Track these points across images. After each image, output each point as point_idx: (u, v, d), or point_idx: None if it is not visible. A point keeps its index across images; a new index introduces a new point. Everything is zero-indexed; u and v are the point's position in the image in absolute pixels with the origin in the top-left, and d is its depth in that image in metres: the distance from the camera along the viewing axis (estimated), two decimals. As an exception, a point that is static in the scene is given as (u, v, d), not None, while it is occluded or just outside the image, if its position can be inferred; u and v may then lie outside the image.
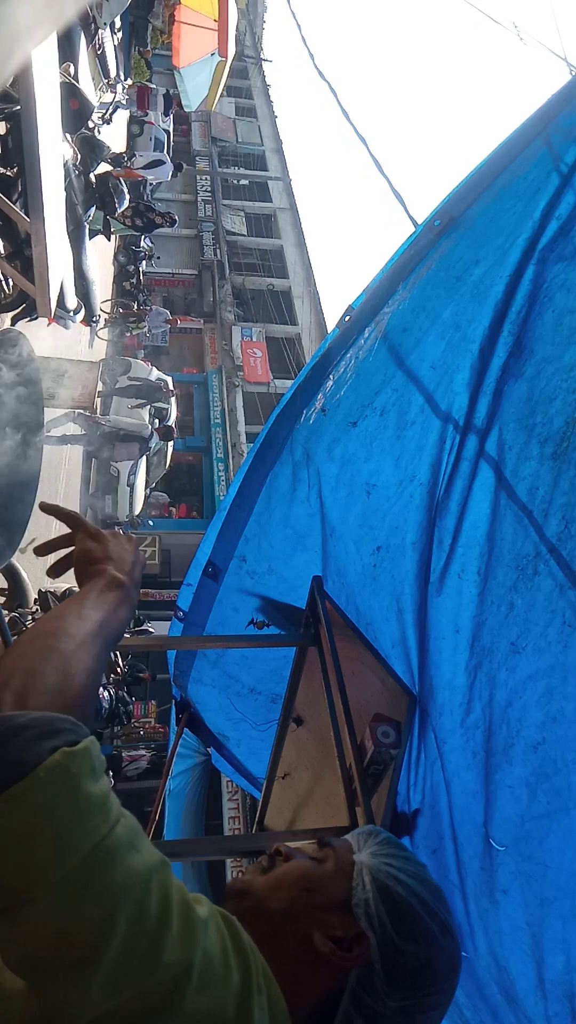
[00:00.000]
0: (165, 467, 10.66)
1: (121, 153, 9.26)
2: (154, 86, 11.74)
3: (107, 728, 8.70)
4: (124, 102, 9.25)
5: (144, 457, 9.04)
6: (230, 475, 13.12)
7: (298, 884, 0.66)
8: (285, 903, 0.65)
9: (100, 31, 7.39)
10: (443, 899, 0.67)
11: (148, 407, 9.31)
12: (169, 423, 8.80)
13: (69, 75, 4.19)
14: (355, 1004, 0.61)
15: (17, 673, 0.50)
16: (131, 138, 11.99)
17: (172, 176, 10.66)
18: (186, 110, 9.28)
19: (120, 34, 8.91)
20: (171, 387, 9.36)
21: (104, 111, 7.79)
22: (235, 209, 19.31)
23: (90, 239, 4.50)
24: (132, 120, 11.95)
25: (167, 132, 12.67)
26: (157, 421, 9.58)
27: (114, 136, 9.60)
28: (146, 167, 10.21)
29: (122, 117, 11.08)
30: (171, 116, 12.01)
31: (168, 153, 11.40)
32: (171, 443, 10.26)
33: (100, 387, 5.26)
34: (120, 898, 0.44)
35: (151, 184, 9.70)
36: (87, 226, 4.30)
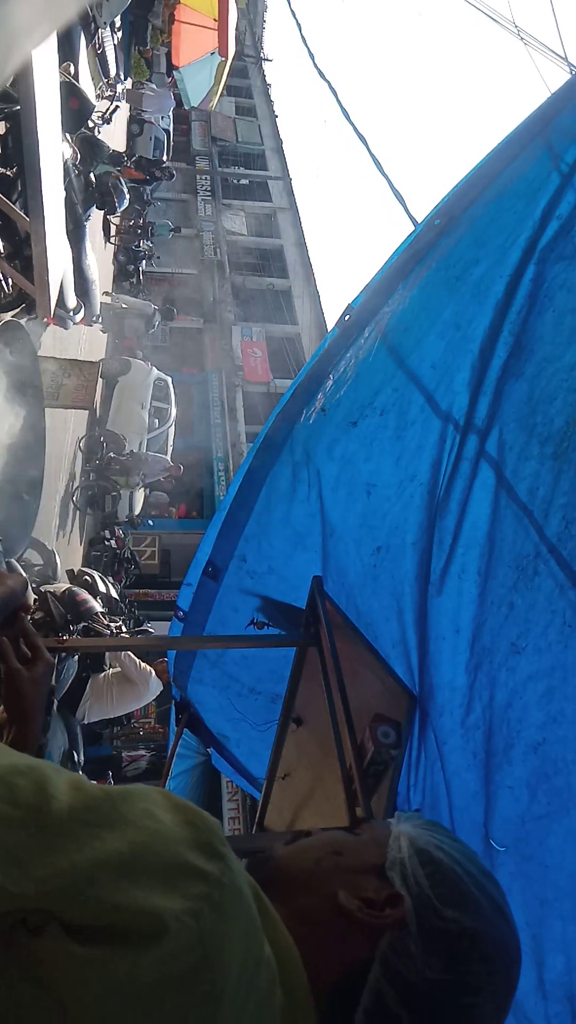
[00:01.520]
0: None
1: (121, 152, 9.27)
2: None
3: (107, 729, 8.71)
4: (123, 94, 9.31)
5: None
6: (230, 475, 13.12)
7: (325, 847, 0.59)
8: (309, 865, 0.58)
9: (100, 30, 7.39)
10: (496, 883, 0.57)
11: (148, 407, 9.36)
12: (171, 307, 9.40)
13: (69, 74, 4.19)
14: (386, 973, 0.51)
15: None
16: (131, 137, 11.99)
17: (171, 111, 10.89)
18: (186, 108, 9.31)
19: (120, 33, 8.91)
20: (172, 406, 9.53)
21: (104, 111, 7.85)
22: (235, 209, 19.31)
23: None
24: (132, 119, 11.94)
25: (167, 132, 12.67)
26: (156, 422, 9.61)
27: (114, 135, 9.61)
28: (147, 165, 10.23)
29: (122, 116, 11.08)
30: (172, 79, 11.85)
31: (167, 154, 11.40)
32: (171, 442, 10.29)
33: (100, 384, 5.33)
34: None
35: (152, 123, 9.89)
36: (87, 224, 4.30)
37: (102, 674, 3.66)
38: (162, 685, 3.61)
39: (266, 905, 0.51)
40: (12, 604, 0.81)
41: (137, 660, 3.63)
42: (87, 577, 4.60)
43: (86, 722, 3.67)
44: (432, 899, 0.53)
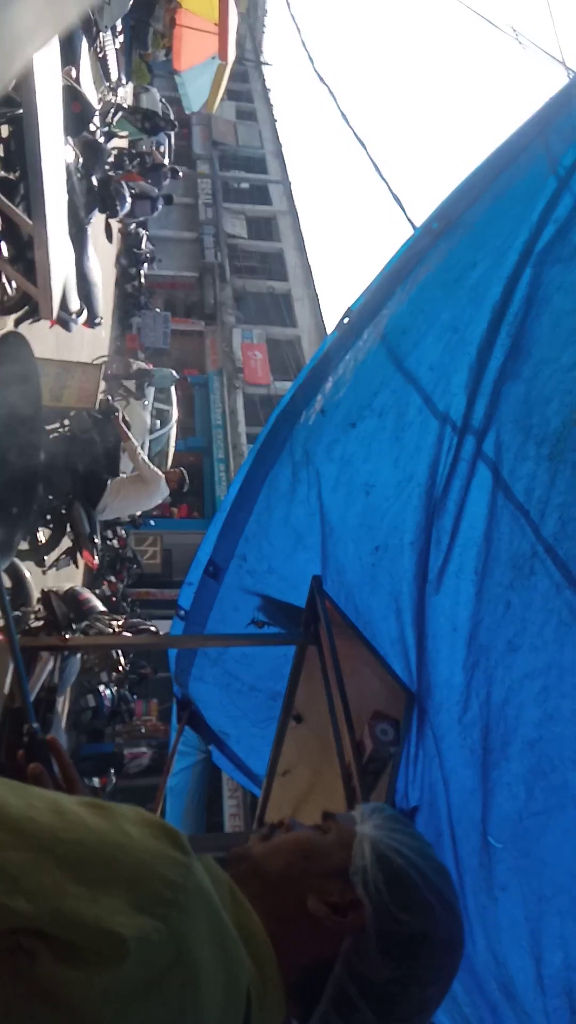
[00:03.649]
0: (166, 467, 10.67)
1: (123, 156, 9.31)
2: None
3: (108, 726, 8.70)
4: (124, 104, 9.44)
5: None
6: (230, 475, 13.12)
7: (296, 851, 0.66)
8: (281, 868, 0.64)
9: (101, 34, 7.40)
10: (447, 876, 0.65)
11: (150, 404, 9.38)
12: (170, 195, 9.85)
13: (71, 78, 4.20)
14: (348, 970, 0.60)
15: None
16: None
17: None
18: (186, 112, 9.35)
19: (121, 37, 8.93)
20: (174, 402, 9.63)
21: (106, 114, 7.92)
22: (236, 212, 19.33)
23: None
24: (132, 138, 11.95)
25: (168, 136, 12.67)
26: (158, 423, 9.63)
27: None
28: (148, 170, 10.26)
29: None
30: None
31: (170, 158, 11.43)
32: (172, 443, 10.30)
33: (102, 387, 5.35)
34: None
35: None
36: (89, 227, 4.32)
37: (119, 477, 4.12)
38: (168, 491, 4.16)
39: (238, 896, 0.60)
40: None
41: (151, 464, 4.13)
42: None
43: (104, 517, 4.17)
44: (389, 905, 0.60)
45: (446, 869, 0.66)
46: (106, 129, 5.72)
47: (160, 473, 4.13)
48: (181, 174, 9.77)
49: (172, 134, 10.33)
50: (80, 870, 0.47)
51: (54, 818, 0.50)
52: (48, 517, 3.92)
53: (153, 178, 9.09)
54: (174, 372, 10.19)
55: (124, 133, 8.83)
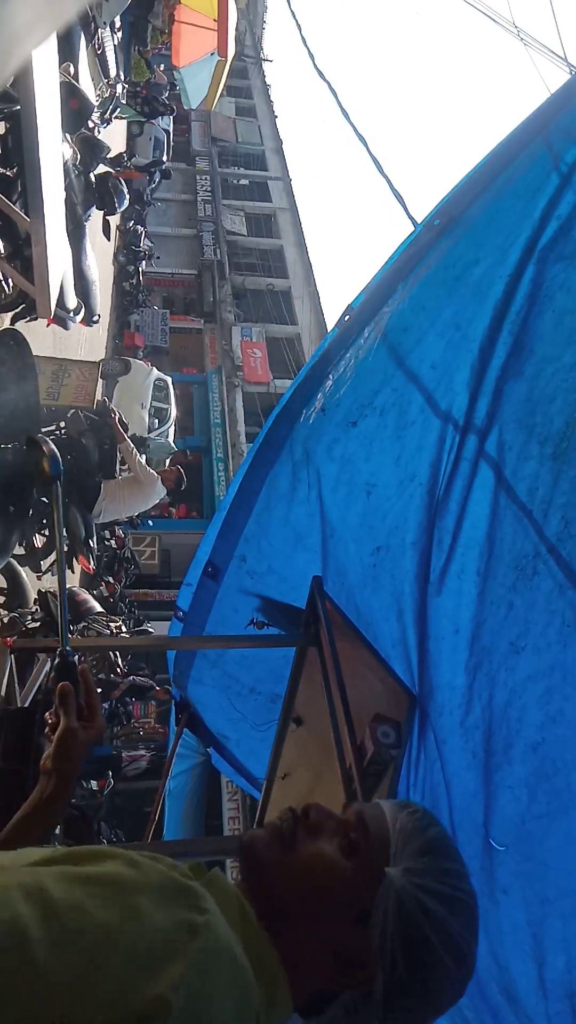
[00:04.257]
0: (164, 467, 10.66)
1: (121, 153, 9.30)
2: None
3: (107, 728, 8.70)
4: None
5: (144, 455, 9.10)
6: (230, 475, 13.10)
7: (317, 893, 0.61)
8: (298, 908, 0.61)
9: (100, 31, 7.38)
10: (474, 919, 0.61)
11: (148, 407, 9.39)
12: (168, 169, 9.96)
13: (69, 75, 4.18)
14: (347, 1014, 0.60)
15: None
16: (131, 138, 11.99)
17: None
18: (185, 108, 9.37)
19: (120, 34, 8.92)
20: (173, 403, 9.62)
21: (104, 110, 7.91)
22: (235, 209, 19.30)
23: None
24: (132, 120, 11.93)
25: (167, 132, 12.67)
26: (156, 422, 9.65)
27: (114, 136, 9.63)
28: (147, 165, 10.27)
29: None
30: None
31: (167, 154, 11.43)
32: (171, 442, 10.30)
33: (99, 385, 5.35)
34: None
35: (152, 123, 10.12)
36: (87, 225, 4.31)
37: (114, 479, 4.13)
38: (165, 491, 4.20)
39: (247, 913, 0.59)
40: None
41: (146, 466, 4.15)
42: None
43: (100, 521, 4.17)
44: (404, 980, 0.58)
45: (474, 909, 0.61)
46: (105, 126, 5.72)
47: (156, 475, 4.13)
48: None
49: (171, 118, 10.38)
50: (122, 958, 0.46)
51: (51, 930, 0.46)
52: (44, 521, 3.90)
53: (152, 93, 9.17)
54: (173, 444, 10.12)
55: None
